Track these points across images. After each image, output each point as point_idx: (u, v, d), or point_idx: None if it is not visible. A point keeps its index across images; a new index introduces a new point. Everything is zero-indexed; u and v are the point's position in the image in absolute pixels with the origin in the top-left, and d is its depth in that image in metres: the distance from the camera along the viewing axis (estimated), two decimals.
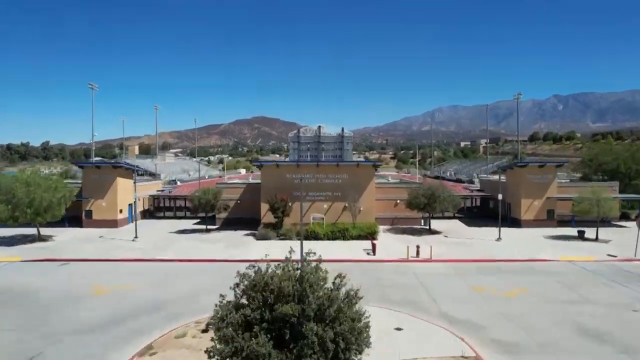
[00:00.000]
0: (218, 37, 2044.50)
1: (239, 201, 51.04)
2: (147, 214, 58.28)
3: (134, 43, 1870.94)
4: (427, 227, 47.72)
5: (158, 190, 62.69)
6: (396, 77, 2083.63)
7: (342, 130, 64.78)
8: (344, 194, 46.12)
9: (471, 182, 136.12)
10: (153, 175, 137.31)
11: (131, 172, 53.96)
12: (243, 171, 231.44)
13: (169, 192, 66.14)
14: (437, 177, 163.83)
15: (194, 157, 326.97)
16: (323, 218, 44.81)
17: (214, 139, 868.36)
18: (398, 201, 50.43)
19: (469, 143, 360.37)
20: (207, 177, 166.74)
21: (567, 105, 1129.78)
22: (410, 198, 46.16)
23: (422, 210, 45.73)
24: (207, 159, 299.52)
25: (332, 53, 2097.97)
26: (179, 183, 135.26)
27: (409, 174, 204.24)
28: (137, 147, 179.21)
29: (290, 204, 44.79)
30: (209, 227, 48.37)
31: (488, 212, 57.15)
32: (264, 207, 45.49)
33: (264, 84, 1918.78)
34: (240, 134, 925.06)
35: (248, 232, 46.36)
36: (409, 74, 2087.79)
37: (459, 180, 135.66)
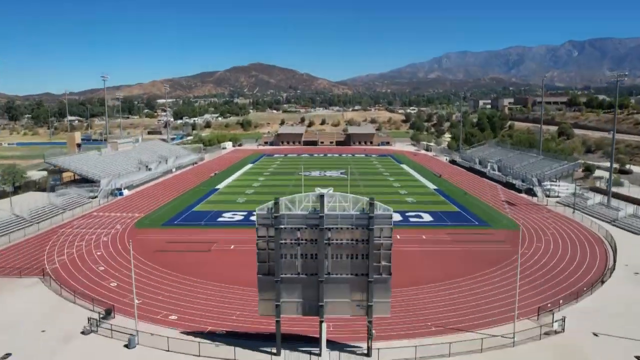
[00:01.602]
0: None
1: None
2: None
3: None
4: None
5: None
6: (401, 21, 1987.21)
7: (372, 203, 28.81)
8: None
9: (530, 192, 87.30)
10: (91, 182, 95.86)
11: None
12: (229, 145, 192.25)
13: None
14: (470, 169, 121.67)
15: (181, 119, 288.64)
16: None
17: (208, 87, 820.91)
18: None
19: (489, 102, 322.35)
20: (174, 169, 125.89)
21: (583, 52, 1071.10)
22: None
23: None
24: (191, 122, 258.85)
25: None
26: (125, 192, 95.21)
27: (431, 153, 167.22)
28: (77, 135, 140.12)
29: None
30: None
31: None
32: None
33: (262, 27, 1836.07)
34: (237, 82, 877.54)
35: None
36: (416, 17, 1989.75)
37: (511, 186, 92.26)
